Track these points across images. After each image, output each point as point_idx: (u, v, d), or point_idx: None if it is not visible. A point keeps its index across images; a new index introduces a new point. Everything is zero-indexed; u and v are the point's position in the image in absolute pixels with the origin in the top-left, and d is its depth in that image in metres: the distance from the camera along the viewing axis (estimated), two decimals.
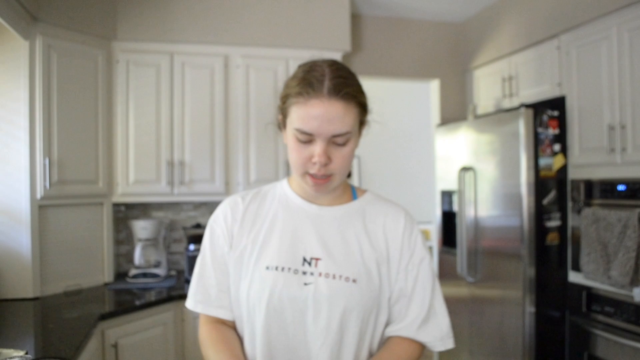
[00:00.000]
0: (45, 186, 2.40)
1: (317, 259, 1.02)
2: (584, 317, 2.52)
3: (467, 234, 3.06)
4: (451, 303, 3.31)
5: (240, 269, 1.05)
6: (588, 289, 2.49)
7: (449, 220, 3.37)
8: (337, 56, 3.11)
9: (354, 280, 1.00)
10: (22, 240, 2.36)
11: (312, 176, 0.99)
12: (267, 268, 1.01)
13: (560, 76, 2.73)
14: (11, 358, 1.44)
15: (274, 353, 1.01)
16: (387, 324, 1.07)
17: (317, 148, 0.96)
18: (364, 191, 1.15)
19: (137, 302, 2.38)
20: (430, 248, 6.39)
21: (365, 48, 3.54)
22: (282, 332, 1.00)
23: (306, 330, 0.99)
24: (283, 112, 1.03)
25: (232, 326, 1.09)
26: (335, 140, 0.97)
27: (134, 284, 2.73)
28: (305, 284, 1.00)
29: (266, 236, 1.06)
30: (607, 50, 2.42)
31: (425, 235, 6.50)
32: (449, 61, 3.72)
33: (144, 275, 2.80)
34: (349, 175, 1.17)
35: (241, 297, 1.04)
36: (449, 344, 1.06)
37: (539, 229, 2.61)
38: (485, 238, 2.93)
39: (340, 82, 0.96)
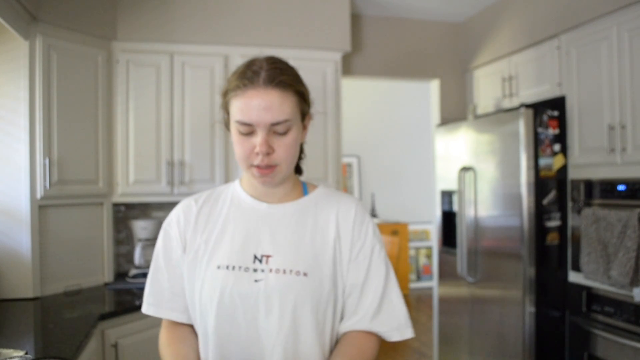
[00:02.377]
0: (45, 186, 2.40)
1: (267, 256, 1.03)
2: (584, 317, 2.52)
3: (467, 234, 3.06)
4: (451, 303, 3.33)
5: (194, 270, 1.06)
6: (588, 289, 2.49)
7: (449, 220, 3.37)
8: (337, 56, 3.11)
9: (305, 274, 1.01)
10: (22, 240, 2.36)
11: (258, 167, 1.00)
12: (219, 267, 1.02)
13: (560, 76, 2.73)
14: (11, 358, 1.44)
15: (226, 353, 1.01)
16: (342, 318, 1.07)
17: (258, 138, 0.97)
18: (315, 186, 1.15)
19: (137, 302, 2.38)
20: (430, 248, 6.39)
21: (365, 48, 3.54)
22: (234, 332, 1.00)
23: (259, 327, 0.99)
24: (225, 108, 1.05)
25: (191, 327, 1.10)
26: (276, 130, 0.98)
27: (134, 284, 2.73)
28: (256, 280, 1.00)
29: (218, 237, 1.06)
30: (607, 50, 2.42)
31: (425, 235, 6.50)
32: (449, 61, 3.72)
33: (144, 275, 2.80)
34: (301, 172, 1.18)
35: (195, 299, 1.05)
36: (406, 333, 1.06)
37: (539, 229, 2.61)
38: (485, 238, 2.93)
39: (276, 72, 0.98)
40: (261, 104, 0.96)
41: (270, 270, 1.01)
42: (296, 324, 0.99)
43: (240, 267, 1.01)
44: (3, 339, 1.80)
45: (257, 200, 1.09)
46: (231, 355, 1.01)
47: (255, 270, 1.01)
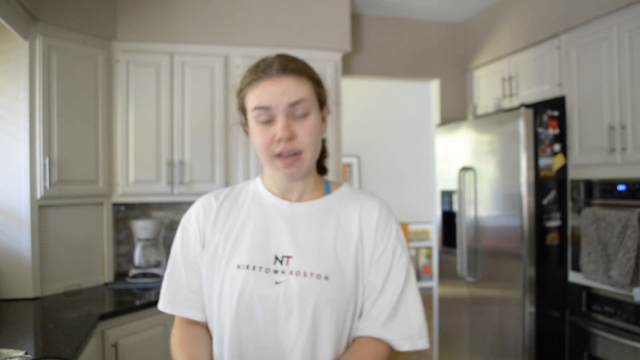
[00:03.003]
0: (45, 186, 2.40)
1: (288, 257, 1.00)
2: (584, 317, 2.52)
3: (467, 234, 3.06)
4: (451, 303, 3.33)
5: (213, 268, 1.04)
6: (588, 289, 2.49)
7: (449, 220, 3.36)
8: (337, 56, 3.11)
9: (326, 277, 0.98)
10: (22, 240, 2.36)
11: (281, 157, 0.97)
12: (238, 267, 1.00)
13: (560, 76, 2.73)
14: (11, 358, 1.44)
15: (243, 355, 0.98)
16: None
17: (279, 124, 0.96)
18: (338, 185, 1.13)
19: (137, 302, 2.38)
20: (430, 248, 6.38)
21: (365, 48, 3.54)
22: (252, 333, 0.98)
23: (278, 330, 0.97)
24: (242, 108, 1.04)
25: (205, 327, 1.08)
26: (294, 112, 0.96)
27: (134, 284, 2.73)
28: (276, 282, 0.98)
29: (238, 235, 1.04)
30: (607, 50, 2.42)
31: (425, 235, 6.49)
32: (449, 61, 3.72)
33: (144, 275, 2.80)
34: (325, 171, 1.14)
35: (213, 298, 1.03)
36: (419, 344, 1.01)
37: (539, 229, 2.61)
38: (485, 238, 2.93)
39: (288, 61, 0.99)
40: (277, 90, 0.96)
41: (291, 272, 0.98)
42: (315, 327, 0.97)
43: (260, 268, 0.99)
44: (3, 339, 1.80)
45: (279, 198, 1.07)
46: (248, 357, 0.98)
47: (275, 271, 0.99)
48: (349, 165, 6.41)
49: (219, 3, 2.92)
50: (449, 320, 3.38)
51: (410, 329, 1.01)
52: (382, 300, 1.02)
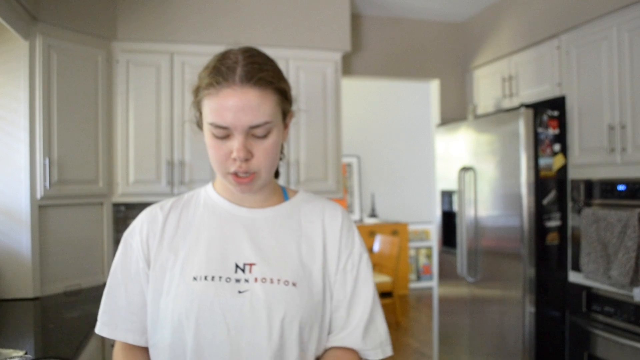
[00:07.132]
0: (45, 186, 2.40)
1: (251, 265, 0.93)
2: (584, 317, 2.52)
3: (467, 234, 3.06)
4: (451, 303, 3.33)
5: (161, 285, 0.94)
6: (588, 289, 2.49)
7: (449, 220, 3.37)
8: (337, 56, 3.11)
9: (294, 284, 0.92)
10: (22, 240, 2.36)
11: (235, 175, 0.91)
12: (195, 279, 0.91)
13: (560, 76, 2.73)
14: (11, 358, 1.44)
15: None
16: (329, 332, 0.98)
17: (236, 143, 0.87)
18: (295, 191, 1.07)
19: None
20: (430, 248, 6.39)
21: (365, 48, 3.54)
22: (216, 349, 0.89)
23: (246, 342, 0.89)
24: (197, 107, 0.94)
25: (147, 352, 0.99)
26: (255, 133, 0.88)
27: None
28: (240, 291, 0.90)
29: (192, 245, 0.95)
30: (607, 50, 2.42)
31: (425, 235, 6.50)
32: (449, 61, 3.72)
33: None
34: (277, 175, 1.08)
35: (164, 316, 0.92)
36: (387, 351, 0.99)
37: (539, 229, 2.61)
38: (485, 238, 2.93)
39: (254, 68, 0.88)
40: (238, 105, 0.86)
41: (256, 280, 0.91)
42: (284, 338, 0.90)
43: (220, 277, 0.91)
44: (3, 339, 1.80)
45: (235, 204, 1.00)
46: None
47: (238, 280, 0.91)
48: (349, 165, 6.42)
49: (219, 3, 2.92)
50: (449, 320, 3.38)
51: (380, 337, 0.99)
52: (358, 307, 0.98)
